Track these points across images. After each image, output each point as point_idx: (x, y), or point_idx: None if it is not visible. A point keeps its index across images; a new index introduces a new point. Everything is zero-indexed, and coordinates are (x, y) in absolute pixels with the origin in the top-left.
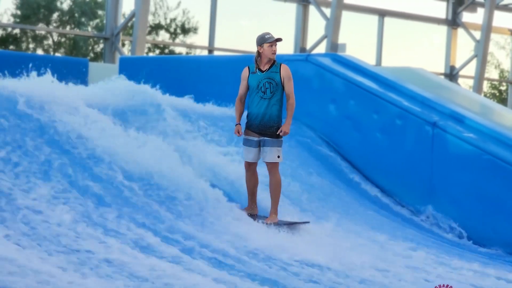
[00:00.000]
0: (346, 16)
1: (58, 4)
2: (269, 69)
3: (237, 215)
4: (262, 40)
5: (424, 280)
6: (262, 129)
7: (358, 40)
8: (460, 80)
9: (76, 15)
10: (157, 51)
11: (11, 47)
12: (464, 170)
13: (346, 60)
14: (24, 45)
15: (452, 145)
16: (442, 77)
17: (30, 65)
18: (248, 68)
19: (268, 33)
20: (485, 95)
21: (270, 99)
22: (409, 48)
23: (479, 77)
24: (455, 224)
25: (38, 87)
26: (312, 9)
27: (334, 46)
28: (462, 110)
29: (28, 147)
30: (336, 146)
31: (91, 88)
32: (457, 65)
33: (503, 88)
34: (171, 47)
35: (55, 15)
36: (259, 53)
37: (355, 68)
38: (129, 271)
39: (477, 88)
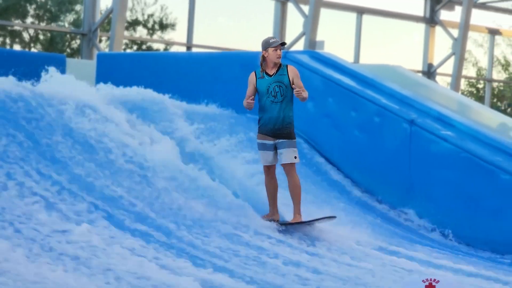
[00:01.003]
0: (325, 14)
1: None
2: (276, 72)
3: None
4: (267, 44)
5: (400, 277)
6: (277, 132)
7: (336, 38)
8: (437, 78)
9: (52, 9)
10: (135, 47)
11: None
12: (441, 168)
13: (324, 57)
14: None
15: (429, 143)
16: (420, 74)
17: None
18: (255, 73)
19: (273, 37)
20: (462, 93)
21: (281, 102)
22: (387, 45)
23: (457, 75)
24: (433, 221)
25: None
26: (290, 6)
27: (312, 43)
28: (439, 108)
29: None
30: (314, 143)
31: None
32: (435, 63)
33: (480, 86)
34: (149, 43)
35: (31, 10)
36: (264, 58)
37: (333, 66)
38: None
39: (455, 86)
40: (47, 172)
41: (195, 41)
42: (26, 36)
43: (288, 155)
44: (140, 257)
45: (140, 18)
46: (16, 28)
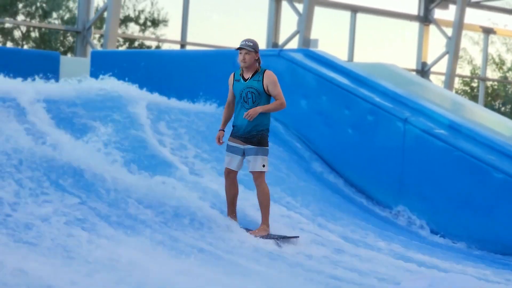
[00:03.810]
0: (319, 12)
1: None
2: (251, 77)
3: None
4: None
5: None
6: (247, 138)
7: (330, 36)
8: (431, 77)
9: (44, 6)
10: (127, 44)
11: None
12: (435, 166)
13: (318, 55)
14: None
15: (423, 141)
16: (414, 73)
17: None
18: (234, 74)
19: (243, 40)
20: (456, 92)
21: (246, 109)
22: (381, 44)
23: (451, 74)
24: (425, 220)
25: None
26: (284, 4)
27: (306, 42)
28: (433, 106)
29: None
30: (307, 141)
31: None
32: (429, 61)
33: (474, 84)
34: (141, 41)
35: (21, 6)
36: None
37: (327, 64)
38: None
39: (449, 84)
40: None
41: (188, 38)
42: (17, 34)
43: (255, 163)
44: None
45: (132, 15)
46: (7, 25)
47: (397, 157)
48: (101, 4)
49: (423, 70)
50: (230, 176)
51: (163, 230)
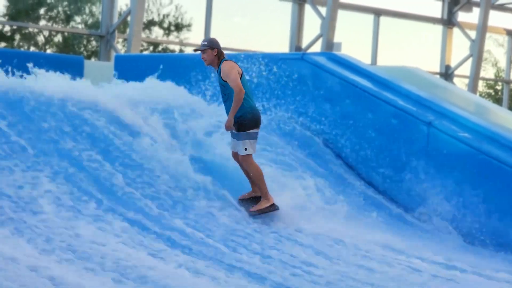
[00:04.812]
0: (342, 15)
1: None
2: (217, 71)
3: None
4: None
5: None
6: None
7: (353, 39)
8: (455, 80)
9: (67, 9)
10: (151, 48)
11: (3, 44)
12: (458, 170)
13: (341, 59)
14: (15, 43)
15: (447, 145)
16: (437, 76)
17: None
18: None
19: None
20: (480, 95)
21: (225, 102)
22: (404, 47)
23: (474, 77)
24: (450, 223)
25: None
26: (307, 7)
27: (329, 45)
28: (457, 109)
29: None
30: (331, 145)
31: None
32: (453, 64)
33: (498, 87)
34: (165, 44)
35: (43, 11)
36: None
37: (351, 67)
38: None
39: (472, 87)
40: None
41: None
42: (40, 39)
43: (238, 147)
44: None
45: (156, 19)
46: (29, 30)
47: (421, 161)
48: (125, 8)
49: (447, 73)
50: (236, 158)
51: None
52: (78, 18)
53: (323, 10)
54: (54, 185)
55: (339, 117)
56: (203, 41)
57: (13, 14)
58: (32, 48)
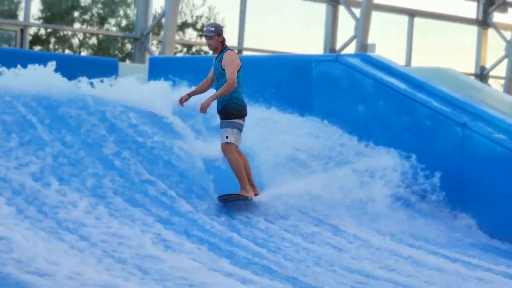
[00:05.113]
0: (376, 16)
1: (83, 2)
2: (216, 58)
3: None
4: None
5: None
6: (219, 113)
7: (387, 40)
8: (490, 81)
9: (101, 12)
10: (185, 50)
11: (38, 47)
12: (494, 171)
13: (375, 60)
14: (50, 46)
15: (482, 146)
16: (472, 77)
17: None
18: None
19: (205, 26)
20: None
21: (217, 87)
22: (438, 48)
23: (510, 78)
24: (485, 225)
25: None
26: (341, 9)
27: (363, 47)
28: (492, 111)
29: None
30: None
31: None
32: (488, 65)
33: None
34: (199, 46)
35: (77, 14)
36: None
37: (385, 69)
38: None
39: (508, 88)
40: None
41: (245, 44)
42: (74, 42)
43: (220, 135)
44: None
45: (189, 21)
46: (64, 33)
47: (456, 162)
48: (159, 11)
49: (482, 74)
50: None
51: None
52: (112, 21)
53: (357, 11)
54: None
55: (373, 118)
56: (210, 26)
57: (48, 17)
58: (66, 51)
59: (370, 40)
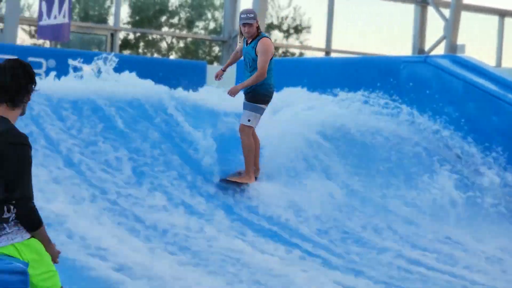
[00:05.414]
0: (465, 17)
1: (170, 6)
2: (250, 43)
3: None
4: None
5: None
6: (245, 94)
7: (477, 41)
8: None
9: (188, 16)
10: None
11: (127, 51)
12: None
13: (465, 61)
14: (139, 50)
15: None
16: None
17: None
18: (244, 39)
19: (242, 13)
20: None
21: (250, 72)
22: None
23: None
24: None
25: None
26: (430, 10)
27: (453, 47)
28: None
29: None
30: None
31: None
32: None
33: None
34: (285, 48)
35: (164, 19)
36: None
37: (475, 70)
38: None
39: None
40: None
41: (333, 45)
42: (162, 45)
43: (243, 116)
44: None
45: (275, 22)
46: (152, 37)
47: None
48: None
49: None
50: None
51: None
52: (200, 24)
53: (446, 12)
54: None
55: (462, 120)
56: (249, 13)
57: (137, 22)
58: (155, 55)
59: (459, 41)
